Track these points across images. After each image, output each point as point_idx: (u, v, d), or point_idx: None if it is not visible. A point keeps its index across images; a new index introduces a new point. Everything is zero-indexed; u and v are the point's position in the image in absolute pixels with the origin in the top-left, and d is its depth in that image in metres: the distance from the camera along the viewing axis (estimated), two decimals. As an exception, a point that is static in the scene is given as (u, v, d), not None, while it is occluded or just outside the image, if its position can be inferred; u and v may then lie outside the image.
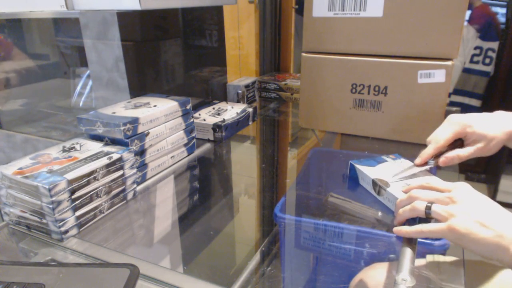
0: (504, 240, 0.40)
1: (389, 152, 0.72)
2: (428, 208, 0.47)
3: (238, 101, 1.21)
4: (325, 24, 0.84)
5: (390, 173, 0.63)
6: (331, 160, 0.83)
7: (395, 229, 0.49)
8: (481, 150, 0.58)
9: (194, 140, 0.86)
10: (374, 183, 0.62)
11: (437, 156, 0.61)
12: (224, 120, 0.93)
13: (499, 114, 0.60)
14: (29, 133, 1.12)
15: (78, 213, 0.56)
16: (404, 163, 0.67)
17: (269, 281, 0.53)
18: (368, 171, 0.65)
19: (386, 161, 0.69)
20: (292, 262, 0.59)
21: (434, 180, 0.53)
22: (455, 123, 0.60)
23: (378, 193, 0.61)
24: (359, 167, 0.67)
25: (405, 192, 0.55)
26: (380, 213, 0.58)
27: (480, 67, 2.26)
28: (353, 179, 0.69)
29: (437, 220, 0.46)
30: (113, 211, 0.63)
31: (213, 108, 1.03)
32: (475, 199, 0.45)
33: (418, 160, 0.62)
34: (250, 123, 1.05)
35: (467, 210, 0.43)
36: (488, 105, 2.33)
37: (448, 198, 0.46)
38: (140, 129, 0.69)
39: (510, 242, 0.39)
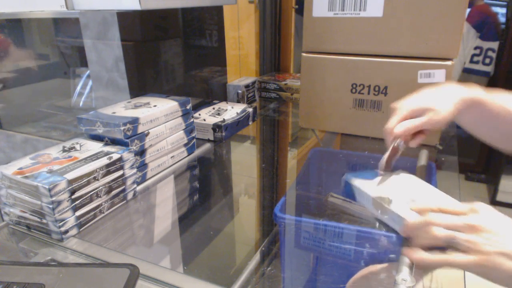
0: None
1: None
2: (453, 238, 0.41)
3: (238, 101, 1.21)
4: (325, 24, 0.84)
5: (392, 190, 0.56)
6: (331, 160, 0.82)
7: (416, 256, 0.43)
8: (431, 120, 0.54)
9: (194, 140, 0.86)
10: (376, 202, 0.55)
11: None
12: (224, 120, 0.93)
13: (448, 87, 0.57)
14: (29, 133, 1.12)
15: (78, 213, 0.56)
16: (405, 176, 0.61)
17: (269, 281, 0.53)
18: (367, 188, 0.58)
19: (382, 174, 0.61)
20: (292, 262, 0.59)
21: (445, 200, 0.49)
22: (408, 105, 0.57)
23: (381, 213, 0.55)
24: (356, 183, 0.60)
25: (416, 211, 0.48)
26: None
27: (480, 67, 2.26)
28: (349, 195, 0.62)
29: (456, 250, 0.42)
30: (113, 211, 0.63)
31: (213, 108, 1.03)
32: (501, 226, 0.41)
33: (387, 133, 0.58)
34: (250, 123, 1.05)
35: (495, 242, 0.39)
36: (488, 105, 2.33)
37: (470, 225, 0.41)
38: (140, 129, 0.69)
39: None
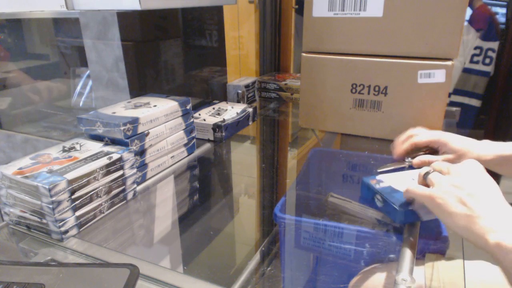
0: (476, 224, 0.38)
1: (389, 152, 0.72)
2: (426, 174, 0.48)
3: (238, 101, 1.21)
4: (325, 24, 0.84)
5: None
6: (331, 160, 0.83)
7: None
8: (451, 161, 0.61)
9: (194, 140, 0.86)
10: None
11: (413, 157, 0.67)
12: (224, 120, 0.93)
13: (484, 141, 0.63)
14: (29, 133, 1.12)
15: (78, 213, 0.56)
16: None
17: (269, 281, 0.53)
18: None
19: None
20: (292, 262, 0.59)
21: None
22: (434, 133, 0.65)
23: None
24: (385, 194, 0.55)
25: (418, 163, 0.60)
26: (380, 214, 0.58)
27: (480, 67, 2.26)
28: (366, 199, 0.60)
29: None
30: (113, 211, 0.63)
31: (213, 108, 1.03)
32: (472, 176, 0.44)
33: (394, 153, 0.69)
34: (250, 123, 1.05)
35: (454, 183, 0.43)
36: (488, 105, 2.33)
37: (447, 168, 0.47)
38: (140, 129, 0.69)
39: (483, 228, 0.37)
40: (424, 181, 0.49)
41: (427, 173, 0.48)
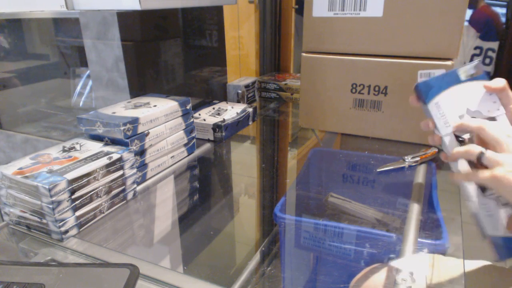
0: None
1: (389, 152, 0.72)
2: (481, 153, 0.43)
3: (238, 101, 1.21)
4: (325, 24, 0.84)
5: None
6: (331, 160, 0.83)
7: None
8: None
9: (194, 140, 0.86)
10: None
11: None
12: (224, 120, 0.93)
13: None
14: (29, 133, 1.12)
15: (78, 213, 0.56)
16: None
17: (269, 281, 0.53)
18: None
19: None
20: (292, 262, 0.59)
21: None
22: None
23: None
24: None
25: (459, 128, 0.49)
26: (380, 213, 0.58)
27: (480, 67, 2.26)
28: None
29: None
30: (113, 211, 0.63)
31: (213, 108, 1.03)
32: None
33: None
34: (250, 123, 1.05)
35: None
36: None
37: (506, 145, 0.42)
38: (140, 129, 0.69)
39: None
40: (476, 160, 0.45)
41: (481, 153, 0.44)
